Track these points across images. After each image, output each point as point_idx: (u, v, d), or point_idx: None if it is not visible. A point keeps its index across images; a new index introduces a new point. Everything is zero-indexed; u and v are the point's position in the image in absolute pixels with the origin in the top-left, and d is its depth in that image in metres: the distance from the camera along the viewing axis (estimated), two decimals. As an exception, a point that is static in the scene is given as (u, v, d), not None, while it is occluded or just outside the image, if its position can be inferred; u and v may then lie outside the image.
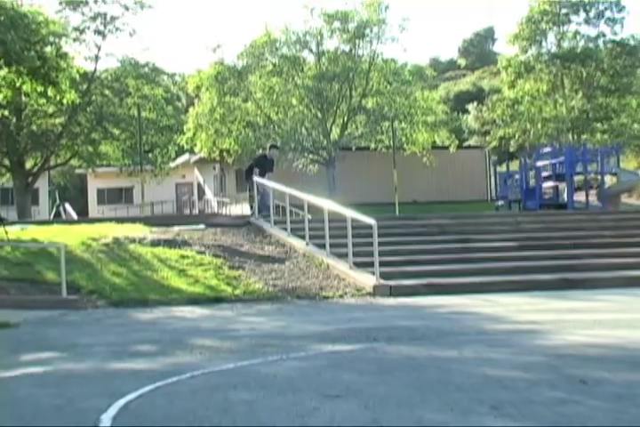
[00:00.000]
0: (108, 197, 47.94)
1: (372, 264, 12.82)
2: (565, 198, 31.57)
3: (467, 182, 38.76)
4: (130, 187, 43.06)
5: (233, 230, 16.84)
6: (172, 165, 40.43)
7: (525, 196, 31.43)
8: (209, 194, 43.91)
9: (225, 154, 37.31)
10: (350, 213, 13.76)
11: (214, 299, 11.76)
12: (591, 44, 35.41)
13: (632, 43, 35.09)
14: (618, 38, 35.39)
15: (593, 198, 33.42)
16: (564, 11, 35.10)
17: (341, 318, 9.50)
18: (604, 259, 14.67)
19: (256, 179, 18.40)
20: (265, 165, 19.08)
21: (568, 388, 4.66)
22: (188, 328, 9.02)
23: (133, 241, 14.88)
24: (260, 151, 21.53)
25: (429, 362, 5.91)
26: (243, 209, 33.69)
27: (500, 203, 32.68)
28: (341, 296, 12.06)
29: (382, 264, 13.07)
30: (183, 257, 14.00)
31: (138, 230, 16.00)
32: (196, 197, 45.92)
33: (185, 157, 43.50)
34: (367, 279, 12.66)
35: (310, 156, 37.14)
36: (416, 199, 35.56)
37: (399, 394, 4.69)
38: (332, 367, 5.80)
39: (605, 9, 35.02)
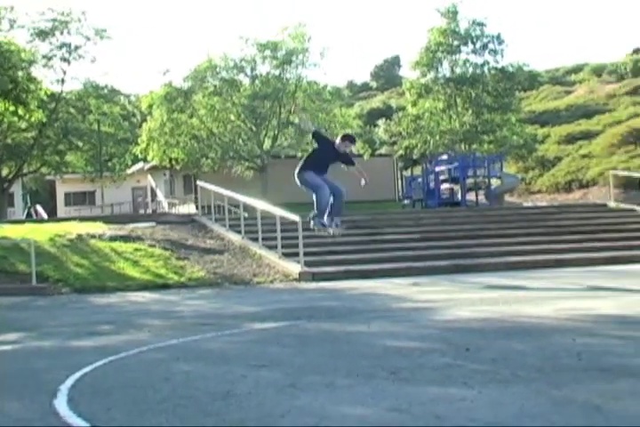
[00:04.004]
0: (74, 199, 47.09)
1: (297, 254, 12.83)
2: (459, 198, 31.93)
3: (379, 185, 38.80)
4: (92, 191, 42.51)
5: (180, 227, 16.68)
6: (128, 171, 39.93)
7: (426, 196, 31.72)
8: (160, 196, 43.41)
9: (174, 162, 37.02)
10: (279, 212, 13.76)
11: (163, 285, 11.65)
12: (478, 70, 35.80)
13: (510, 69, 35.64)
14: (499, 66, 35.89)
15: (482, 197, 33.88)
16: (455, 42, 35.41)
17: (270, 300, 9.46)
18: (490, 247, 14.87)
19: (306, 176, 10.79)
20: (326, 155, 10.84)
21: (454, 355, 4.71)
22: (140, 310, 8.91)
23: (94, 237, 14.63)
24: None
25: (342, 336, 5.92)
26: (189, 209, 33.43)
27: (406, 202, 32.97)
28: (271, 282, 12.04)
29: (306, 254, 13.08)
30: (137, 250, 13.81)
31: (98, 228, 15.73)
32: (149, 198, 45.37)
33: (139, 164, 43.00)
34: (293, 267, 12.65)
35: (246, 163, 37.03)
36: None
37: (315, 363, 4.69)
38: (260, 342, 5.78)
39: (488, 42, 35.47)
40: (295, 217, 13.07)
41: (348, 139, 11.36)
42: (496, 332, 5.64)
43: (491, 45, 35.51)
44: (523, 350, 4.74)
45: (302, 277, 12.20)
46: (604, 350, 4.69)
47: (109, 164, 34.77)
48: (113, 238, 14.57)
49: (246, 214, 15.61)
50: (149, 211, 40.35)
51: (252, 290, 11.12)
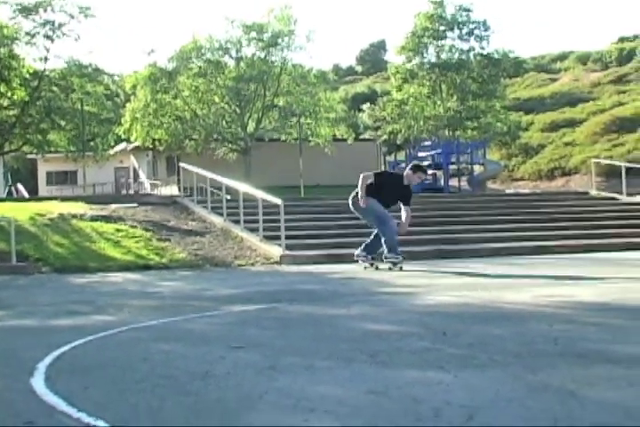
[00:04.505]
0: (55, 178, 46.88)
1: (279, 237, 12.82)
2: (442, 184, 32.02)
3: (362, 169, 38.68)
4: (74, 170, 42.30)
5: (162, 208, 16.63)
6: (111, 152, 39.73)
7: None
8: (143, 177, 43.27)
9: (157, 143, 36.92)
10: (261, 194, 13.75)
11: (144, 266, 11.64)
12: (464, 56, 35.94)
13: (496, 56, 35.75)
14: (485, 52, 36.00)
15: (464, 184, 33.98)
16: (442, 28, 35.49)
17: (251, 282, 9.46)
18: (472, 233, 14.94)
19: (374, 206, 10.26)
20: (391, 189, 10.35)
21: (432, 339, 4.74)
22: (120, 291, 8.90)
23: (75, 217, 14.57)
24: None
25: (323, 319, 5.93)
26: (171, 190, 33.31)
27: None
28: (252, 264, 12.04)
29: (288, 237, 13.08)
30: (118, 230, 13.77)
31: (79, 208, 15.68)
32: (132, 179, 45.23)
33: (122, 145, 42.85)
34: (275, 250, 12.65)
35: (230, 145, 36.96)
36: (319, 183, 35.58)
37: (295, 346, 4.71)
38: (240, 324, 5.79)
39: (475, 28, 35.61)
40: (277, 200, 13.07)
41: (421, 170, 10.97)
42: (474, 317, 5.68)
43: (477, 31, 35.64)
44: (500, 335, 4.78)
45: (283, 260, 12.21)
46: (581, 336, 4.73)
47: (92, 144, 34.58)
48: (94, 218, 14.52)
49: (229, 197, 15.58)
50: (132, 192, 40.23)
51: (233, 272, 11.13)
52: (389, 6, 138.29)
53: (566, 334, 4.75)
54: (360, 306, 6.62)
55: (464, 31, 35.53)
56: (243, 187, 14.85)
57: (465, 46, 35.95)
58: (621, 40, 59.20)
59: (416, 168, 10.79)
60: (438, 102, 36.03)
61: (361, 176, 10.46)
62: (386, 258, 10.27)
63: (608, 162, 24.34)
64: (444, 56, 35.95)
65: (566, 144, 38.48)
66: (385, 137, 38.84)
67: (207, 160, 34.71)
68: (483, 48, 35.77)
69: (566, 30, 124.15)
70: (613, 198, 19.64)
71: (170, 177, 38.00)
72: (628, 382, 3.46)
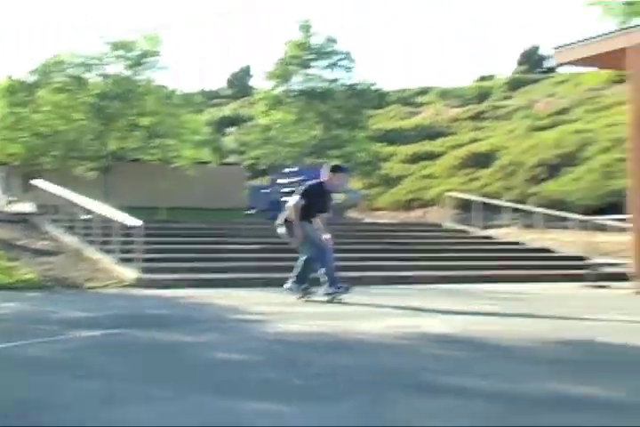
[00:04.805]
0: None
1: (136, 260, 12.60)
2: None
3: (226, 192, 38.80)
4: None
5: (12, 226, 16.01)
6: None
7: (271, 207, 31.83)
8: (-3, 192, 41.60)
9: (12, 158, 35.68)
10: (119, 215, 13.47)
11: (-11, 286, 11.15)
12: (330, 86, 36.56)
13: (360, 87, 36.59)
14: (349, 83, 36.76)
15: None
16: (310, 57, 36.03)
17: (102, 306, 9.21)
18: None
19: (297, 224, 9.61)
20: (317, 200, 9.71)
21: (280, 368, 4.72)
22: None
23: None
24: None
25: (171, 346, 5.82)
26: (26, 207, 32.12)
27: (251, 212, 33.01)
28: (106, 287, 11.74)
29: (146, 260, 12.87)
30: (-38, 248, 13.18)
31: None
32: (-17, 194, 43.36)
33: (-26, 158, 41.09)
34: (130, 273, 12.39)
35: (90, 163, 36.11)
36: (181, 205, 35.17)
37: (138, 374, 4.59)
38: (85, 350, 5.60)
39: (340, 59, 36.33)
40: (136, 221, 12.83)
41: (341, 170, 9.97)
42: (326, 346, 5.71)
43: (342, 62, 36.33)
44: (349, 366, 4.82)
45: (139, 283, 11.98)
46: (424, 367, 4.83)
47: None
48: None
49: (85, 216, 15.18)
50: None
51: (84, 295, 10.81)
52: (260, 32, 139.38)
53: (411, 366, 4.84)
54: (210, 333, 6.53)
55: (330, 61, 36.19)
56: (99, 207, 14.49)
57: (331, 76, 36.61)
58: (481, 79, 61.81)
59: (335, 169, 9.81)
60: (303, 130, 36.43)
61: (292, 205, 9.64)
62: (327, 294, 9.57)
63: (460, 195, 25.19)
64: (310, 84, 36.46)
65: (425, 176, 39.58)
66: (249, 162, 38.91)
67: (66, 177, 33.78)
68: (348, 79, 36.54)
69: (429, 66, 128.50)
70: (464, 231, 20.31)
71: (26, 193, 36.71)
72: (466, 414, 3.54)
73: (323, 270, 9.64)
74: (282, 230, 10.02)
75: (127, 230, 13.25)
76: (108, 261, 13.20)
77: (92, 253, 13.77)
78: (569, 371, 4.72)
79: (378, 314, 8.21)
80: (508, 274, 14.42)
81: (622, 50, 11.33)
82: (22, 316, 8.11)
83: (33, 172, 36.55)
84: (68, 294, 10.86)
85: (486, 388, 4.15)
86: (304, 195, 9.67)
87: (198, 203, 37.31)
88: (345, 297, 9.47)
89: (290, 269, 14.00)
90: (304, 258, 9.99)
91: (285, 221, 9.84)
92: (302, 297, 9.91)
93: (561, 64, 14.60)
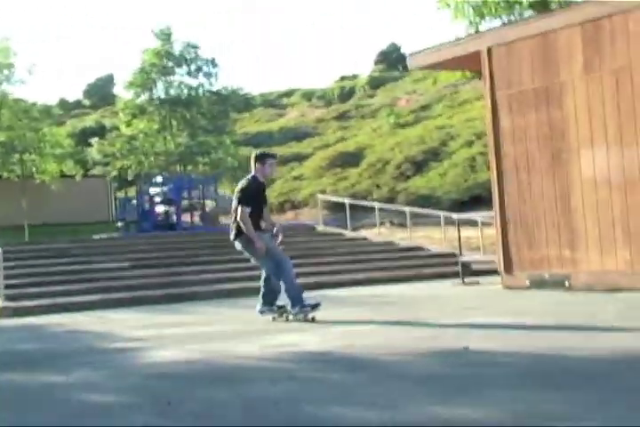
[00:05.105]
0: None
1: (-2, 288, 12.04)
2: (175, 220, 31.77)
3: (92, 206, 37.85)
4: None
5: None
6: None
7: (141, 218, 31.24)
8: None
9: None
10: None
11: None
12: (193, 93, 36.15)
13: (224, 92, 36.37)
14: (214, 89, 36.49)
15: (197, 219, 33.94)
16: (170, 64, 35.51)
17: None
18: (201, 275, 14.83)
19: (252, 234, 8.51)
20: (258, 200, 8.76)
21: (155, 411, 4.50)
22: None
23: None
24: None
25: (37, 389, 5.50)
26: None
27: (120, 224, 32.22)
28: (-36, 319, 11.16)
29: (9, 287, 12.34)
30: None
31: None
32: None
33: None
34: (-7, 302, 11.83)
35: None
36: (46, 222, 34.00)
37: (3, 428, 4.30)
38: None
39: (203, 65, 36.00)
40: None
41: (268, 155, 8.93)
42: (201, 377, 5.53)
43: (205, 68, 36.03)
44: (225, 401, 4.65)
45: (3, 312, 11.44)
46: (304, 396, 4.72)
47: None
48: None
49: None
50: None
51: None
52: (118, 41, 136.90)
53: (290, 395, 4.73)
54: (81, 370, 6.22)
55: (192, 68, 35.78)
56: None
57: (194, 82, 36.22)
58: (342, 79, 62.54)
59: (261, 157, 8.75)
60: (169, 138, 35.91)
61: (239, 209, 8.45)
62: (294, 314, 8.59)
63: (332, 198, 25.33)
64: (173, 92, 35.95)
65: (295, 178, 39.70)
66: (115, 173, 38.04)
67: None
68: (211, 84, 36.22)
69: (291, 68, 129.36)
70: (340, 234, 20.41)
71: None
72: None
73: (283, 287, 8.57)
74: (238, 246, 8.79)
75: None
76: (-32, 291, 12.55)
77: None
78: (450, 390, 4.71)
79: (253, 332, 8.06)
80: (384, 276, 14.56)
81: (476, 52, 11.59)
82: None
83: None
84: None
85: (372, 417, 4.07)
86: (245, 199, 8.47)
87: (64, 218, 36.18)
88: (316, 314, 8.52)
89: (163, 285, 13.76)
90: (264, 277, 8.88)
91: (237, 234, 8.61)
92: (280, 317, 8.83)
93: (417, 68, 14.86)
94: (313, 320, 8.46)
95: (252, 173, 8.73)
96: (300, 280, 14.03)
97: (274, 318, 8.85)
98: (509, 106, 11.36)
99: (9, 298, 12.02)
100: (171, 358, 6.52)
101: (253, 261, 9.05)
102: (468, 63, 12.77)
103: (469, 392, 4.55)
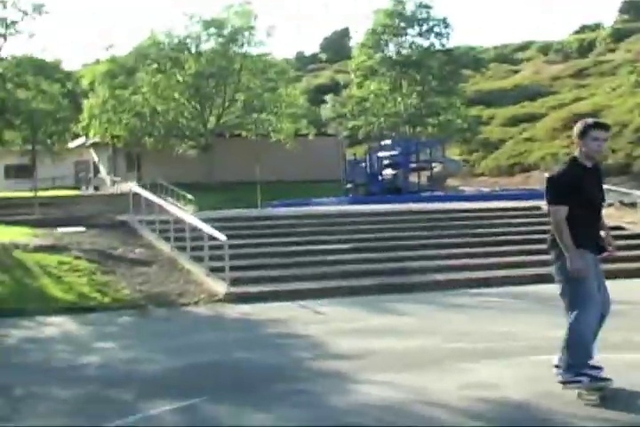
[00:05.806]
0: (15, 172, 46.08)
1: (224, 269, 12.52)
2: (401, 183, 31.85)
3: (323, 164, 38.75)
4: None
5: (110, 232, 16.21)
6: (70, 145, 39.13)
7: (369, 180, 31.59)
8: (103, 172, 42.63)
9: (115, 140, 36.45)
10: (207, 229, 13.39)
11: (87, 308, 11.27)
12: (424, 53, 35.68)
13: (456, 53, 35.59)
14: (445, 49, 35.80)
15: (424, 180, 33.80)
16: (402, 24, 35.16)
17: (187, 342, 8.98)
18: (421, 261, 14.43)
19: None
20: (582, 190, 5.68)
21: None
22: (39, 363, 8.01)
23: (18, 247, 14.14)
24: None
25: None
26: (130, 187, 32.72)
27: (349, 186, 32.77)
28: (196, 303, 11.74)
29: (234, 269, 12.78)
30: (61, 263, 13.35)
31: (24, 234, 15.25)
32: (92, 174, 44.53)
33: (82, 139, 42.19)
34: (219, 287, 12.34)
35: (190, 142, 36.54)
36: (281, 178, 35.25)
37: None
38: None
39: (435, 25, 35.37)
40: (222, 236, 12.79)
41: (596, 126, 5.78)
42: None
43: (437, 29, 35.39)
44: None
45: (227, 298, 11.91)
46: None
47: (48, 141, 33.94)
48: (38, 249, 14.09)
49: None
50: (91, 191, 39.49)
51: (174, 319, 10.79)
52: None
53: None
54: (281, 406, 6.08)
55: (424, 28, 35.26)
56: (189, 218, 14.51)
57: (425, 43, 35.72)
58: (582, 29, 59.08)
59: (582, 129, 5.82)
60: (399, 99, 35.83)
61: (553, 222, 5.72)
62: (563, 382, 5.87)
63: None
64: (404, 53, 35.68)
65: (526, 140, 38.47)
66: (346, 133, 38.67)
67: (168, 157, 34.20)
68: (443, 45, 35.57)
69: (528, 20, 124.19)
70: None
71: (129, 173, 37.43)
72: None
73: (567, 333, 5.80)
74: (551, 258, 5.96)
75: (215, 241, 13.13)
76: (198, 273, 13.18)
77: (184, 263, 13.79)
78: None
79: (445, 356, 7.70)
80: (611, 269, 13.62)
81: None
82: (104, 371, 7.62)
83: (135, 152, 37.24)
84: (158, 318, 10.85)
85: None
86: (555, 194, 5.75)
87: (296, 176, 37.31)
88: (597, 399, 5.68)
89: (381, 272, 13.39)
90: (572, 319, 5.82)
91: (553, 241, 5.85)
92: (596, 394, 5.72)
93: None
94: (594, 401, 5.66)
95: (575, 153, 5.94)
96: (518, 273, 13.45)
97: (579, 395, 5.81)
98: None
99: (234, 281, 12.41)
100: (365, 399, 6.10)
101: (557, 285, 5.95)
102: None
103: None
